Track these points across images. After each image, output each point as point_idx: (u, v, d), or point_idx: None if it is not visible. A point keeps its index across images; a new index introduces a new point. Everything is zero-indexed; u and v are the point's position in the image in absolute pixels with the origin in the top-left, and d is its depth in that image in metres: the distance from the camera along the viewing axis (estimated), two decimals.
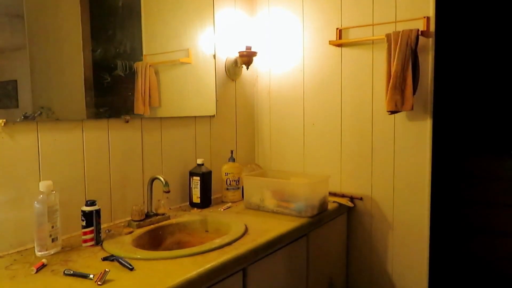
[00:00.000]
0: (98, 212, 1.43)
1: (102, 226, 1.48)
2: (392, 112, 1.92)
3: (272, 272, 1.58)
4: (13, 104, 1.38)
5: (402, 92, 1.86)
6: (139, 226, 1.61)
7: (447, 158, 3.00)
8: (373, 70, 2.07)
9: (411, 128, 1.99)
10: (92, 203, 1.43)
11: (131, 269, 1.21)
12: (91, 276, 1.15)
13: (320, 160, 2.28)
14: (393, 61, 1.87)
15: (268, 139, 2.45)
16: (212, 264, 1.26)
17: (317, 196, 1.86)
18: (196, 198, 1.95)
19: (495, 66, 2.95)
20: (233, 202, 2.07)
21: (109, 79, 1.64)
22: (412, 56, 1.85)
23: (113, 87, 1.66)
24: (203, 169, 1.96)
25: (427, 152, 1.96)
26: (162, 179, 1.63)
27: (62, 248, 1.39)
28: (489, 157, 2.88)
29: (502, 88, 2.95)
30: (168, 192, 1.62)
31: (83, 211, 1.42)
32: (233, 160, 2.12)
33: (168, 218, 1.73)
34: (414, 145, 1.99)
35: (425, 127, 1.96)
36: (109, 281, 1.13)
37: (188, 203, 2.01)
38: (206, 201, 1.96)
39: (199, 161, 1.97)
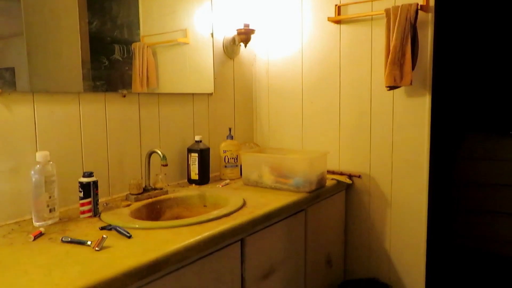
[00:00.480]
0: (95, 183, 1.43)
1: (99, 200, 1.49)
2: (391, 88, 1.91)
3: (270, 244, 1.58)
4: (11, 91, 1.36)
5: (401, 67, 1.85)
6: (137, 200, 1.61)
7: (446, 137, 3.00)
8: (372, 47, 2.05)
9: (409, 104, 1.99)
10: (89, 174, 1.43)
11: (129, 237, 1.21)
12: (89, 242, 1.15)
13: (319, 138, 2.27)
14: (392, 36, 1.86)
15: (267, 117, 2.44)
16: (210, 232, 1.27)
17: (315, 171, 1.86)
18: (194, 175, 1.95)
19: (496, 43, 2.93)
20: (231, 179, 2.07)
21: (106, 62, 1.63)
22: (411, 31, 1.84)
23: (110, 61, 1.65)
24: (201, 146, 1.95)
25: (426, 129, 1.96)
26: (159, 152, 1.62)
27: (60, 219, 1.39)
28: (488, 137, 2.88)
29: (503, 67, 2.93)
30: (166, 165, 1.62)
31: (80, 182, 1.42)
32: (231, 137, 2.11)
33: (166, 192, 1.73)
34: (412, 122, 1.99)
35: (424, 103, 1.95)
36: (106, 247, 1.13)
37: (186, 180, 2.00)
38: (204, 178, 1.96)
39: (197, 138, 1.96)
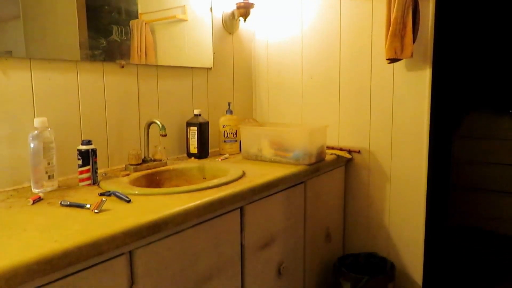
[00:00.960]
0: (94, 151, 1.42)
1: (98, 171, 1.48)
2: (391, 61, 1.89)
3: (270, 214, 1.58)
4: (7, 56, 1.34)
5: (402, 39, 1.83)
6: (136, 170, 1.60)
7: (445, 116, 2.99)
8: (372, 20, 2.03)
9: (410, 78, 1.97)
10: (88, 142, 1.42)
11: (128, 201, 1.20)
12: (88, 205, 1.14)
13: (318, 114, 2.26)
14: (393, 7, 1.83)
15: (266, 93, 2.43)
16: (209, 198, 1.26)
17: (315, 144, 1.85)
18: (194, 149, 1.94)
19: (499, 19, 2.90)
20: (231, 154, 2.06)
21: (103, 41, 1.61)
22: (413, 3, 1.81)
23: (107, 28, 1.63)
24: (200, 120, 1.94)
25: (426, 102, 1.95)
26: (158, 122, 1.61)
27: (59, 187, 1.38)
28: (488, 115, 2.87)
29: (505, 43, 2.91)
30: (165, 135, 1.61)
31: (79, 150, 1.41)
32: (231, 112, 2.10)
33: (165, 164, 1.72)
34: (413, 95, 1.98)
35: (424, 76, 1.94)
36: (105, 210, 1.13)
37: (185, 154, 2.00)
38: (203, 152, 1.95)
39: (196, 112, 1.95)
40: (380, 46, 2.00)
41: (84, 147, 1.41)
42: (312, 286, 1.94)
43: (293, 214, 1.74)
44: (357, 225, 2.22)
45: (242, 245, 1.44)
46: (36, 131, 1.30)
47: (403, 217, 2.08)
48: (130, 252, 1.04)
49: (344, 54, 2.14)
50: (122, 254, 1.02)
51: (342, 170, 2.17)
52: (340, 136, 2.21)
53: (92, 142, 1.43)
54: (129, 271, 1.04)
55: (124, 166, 1.66)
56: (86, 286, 0.93)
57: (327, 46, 2.19)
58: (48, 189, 1.34)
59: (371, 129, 2.12)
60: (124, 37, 1.69)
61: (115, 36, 1.66)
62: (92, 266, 0.95)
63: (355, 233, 2.23)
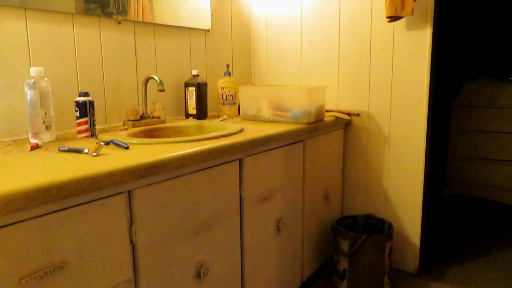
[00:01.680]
0: (91, 103, 1.41)
1: (96, 128, 1.47)
2: (392, 19, 1.87)
3: (268, 169, 1.58)
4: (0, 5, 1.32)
5: None
6: (134, 126, 1.60)
7: (444, 84, 2.98)
8: None
9: (410, 38, 1.95)
10: (85, 94, 1.40)
11: (127, 148, 1.20)
12: (86, 150, 1.14)
13: (317, 78, 2.25)
14: None
15: (265, 57, 2.41)
16: (208, 146, 1.26)
17: (314, 103, 1.84)
18: (192, 110, 1.93)
19: None
20: (229, 116, 2.06)
21: None
22: None
23: None
24: (199, 80, 1.93)
25: (426, 63, 1.94)
26: (156, 77, 1.60)
27: (57, 138, 1.38)
28: (488, 83, 2.85)
29: (506, 9, 2.88)
30: (163, 90, 1.59)
31: (76, 101, 1.40)
32: (229, 74, 2.08)
33: (164, 122, 1.72)
34: (413, 55, 1.96)
35: (425, 36, 1.92)
36: (104, 154, 1.13)
37: (183, 115, 1.99)
38: (202, 113, 1.94)
39: (194, 72, 1.93)
40: (380, 6, 1.98)
41: (81, 99, 1.39)
42: (311, 245, 1.96)
43: (292, 172, 1.74)
44: (356, 187, 2.23)
45: (241, 197, 1.44)
46: (32, 80, 1.29)
47: (401, 179, 2.09)
48: (129, 192, 1.04)
49: (344, 16, 2.12)
50: (121, 193, 1.02)
51: (341, 133, 2.17)
52: (339, 100, 2.20)
53: (90, 94, 1.42)
54: (128, 210, 1.04)
55: (122, 122, 1.65)
56: (85, 220, 0.93)
57: (327, 8, 2.16)
58: (46, 139, 1.33)
59: (370, 91, 2.11)
60: None
61: None
62: (91, 201, 0.95)
63: (353, 195, 2.24)
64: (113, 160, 1.04)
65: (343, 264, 1.92)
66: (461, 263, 2.25)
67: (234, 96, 2.08)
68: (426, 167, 2.04)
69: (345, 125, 2.18)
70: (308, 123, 1.79)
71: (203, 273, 1.27)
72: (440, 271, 2.17)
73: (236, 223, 1.43)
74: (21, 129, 1.39)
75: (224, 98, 2.06)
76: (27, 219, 0.82)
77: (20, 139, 1.37)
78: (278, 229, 1.66)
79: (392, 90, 2.05)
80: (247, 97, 1.94)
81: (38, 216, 0.84)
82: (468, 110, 2.91)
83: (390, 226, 1.98)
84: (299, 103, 1.80)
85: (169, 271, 1.17)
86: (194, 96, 1.91)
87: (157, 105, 1.71)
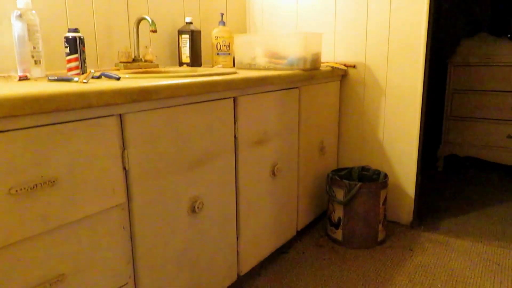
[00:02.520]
0: (81, 39, 1.37)
1: (87, 71, 1.43)
2: None
3: (263, 111, 1.56)
4: None
5: None
6: (126, 68, 1.57)
7: (441, 43, 2.95)
8: None
9: None
10: (75, 30, 1.36)
11: (118, 79, 1.17)
12: (76, 79, 1.11)
13: (314, 30, 2.21)
14: None
15: (260, 9, 2.35)
16: (202, 79, 1.24)
17: (310, 50, 1.81)
18: (186, 58, 1.90)
19: None
20: (224, 67, 2.02)
21: None
22: None
23: None
24: (192, 27, 1.88)
25: (424, 13, 1.90)
26: (148, 18, 1.56)
27: (46, 75, 1.34)
28: (485, 40, 2.82)
29: None
30: (155, 31, 1.55)
31: (66, 37, 1.36)
32: (223, 23, 2.04)
33: (157, 66, 1.68)
34: (411, 3, 1.92)
35: None
36: (94, 83, 1.10)
37: (177, 64, 1.96)
38: (196, 62, 1.91)
39: (187, 19, 1.89)
40: None
41: (71, 34, 1.35)
42: (306, 195, 1.96)
43: (287, 118, 1.73)
44: (352, 140, 2.22)
45: (235, 137, 1.43)
46: (18, 12, 1.25)
47: (397, 131, 2.08)
48: (121, 116, 1.02)
49: None
50: (112, 115, 0.99)
51: (337, 85, 2.15)
52: (335, 52, 2.17)
53: (79, 30, 1.38)
54: (120, 135, 1.02)
55: (114, 65, 1.62)
56: (76, 138, 0.91)
57: None
58: (36, 75, 1.30)
59: (367, 42, 2.07)
60: None
61: None
62: (83, 120, 0.92)
63: (349, 148, 2.24)
64: (105, 86, 1.02)
65: (338, 213, 1.93)
66: (454, 216, 2.28)
67: (229, 47, 2.04)
68: (422, 119, 2.03)
69: (341, 77, 2.16)
70: (304, 70, 1.76)
71: (198, 207, 1.27)
72: (434, 223, 2.19)
73: (231, 162, 1.41)
74: (10, 65, 1.35)
75: (218, 49, 2.03)
76: (16, 129, 0.80)
77: (9, 76, 1.34)
78: (273, 174, 1.65)
79: (389, 41, 2.01)
80: (242, 46, 1.90)
81: (27, 128, 0.82)
82: (465, 69, 2.89)
83: (386, 176, 1.98)
84: (295, 50, 1.77)
85: (163, 202, 1.16)
86: (187, 44, 1.88)
87: (150, 49, 1.68)
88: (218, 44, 2.02)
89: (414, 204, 2.11)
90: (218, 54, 2.03)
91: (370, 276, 1.69)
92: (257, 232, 1.61)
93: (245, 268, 1.57)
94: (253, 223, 1.58)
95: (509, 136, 2.81)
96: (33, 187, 0.83)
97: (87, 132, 0.93)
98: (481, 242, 1.97)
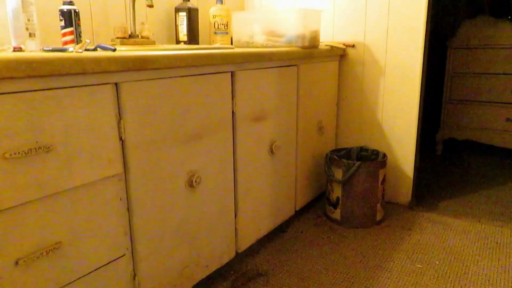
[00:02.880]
0: (76, 12, 1.35)
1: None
2: None
3: (262, 88, 1.55)
4: None
5: None
6: (122, 43, 1.54)
7: (441, 25, 2.92)
8: None
9: None
10: (69, 2, 1.34)
11: (113, 50, 1.15)
12: (71, 49, 1.09)
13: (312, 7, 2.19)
14: None
15: None
16: (198, 51, 1.22)
17: (309, 28, 1.79)
18: (183, 36, 1.87)
19: None
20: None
21: None
22: None
23: None
24: (189, 5, 1.86)
25: None
26: None
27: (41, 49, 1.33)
28: (485, 22, 2.79)
29: None
30: (151, 6, 1.53)
31: (61, 10, 1.34)
32: (221, 2, 2.01)
33: (154, 43, 1.66)
34: None
35: None
36: (89, 50, 1.09)
37: (174, 42, 1.93)
38: (193, 40, 1.89)
39: None
40: None
41: (66, 7, 1.33)
42: (304, 174, 1.96)
43: (286, 96, 1.71)
44: (350, 120, 2.21)
45: (233, 112, 1.41)
46: None
47: (396, 111, 2.07)
48: (117, 85, 1.00)
49: None
50: (108, 83, 0.98)
51: (336, 65, 2.13)
52: (334, 32, 2.15)
53: (74, 4, 1.36)
54: (116, 104, 1.01)
55: (110, 40, 1.60)
56: (71, 105, 0.90)
57: None
58: (31, 48, 1.28)
59: (366, 21, 2.05)
60: None
61: None
62: (78, 86, 0.91)
63: (347, 128, 2.23)
64: (100, 53, 1.00)
65: (337, 192, 1.93)
66: (453, 197, 2.28)
67: (227, 26, 2.02)
68: (421, 99, 2.01)
69: (340, 57, 2.14)
70: (303, 47, 1.75)
71: (195, 181, 1.26)
72: (433, 203, 2.19)
73: (228, 138, 1.40)
74: (4, 39, 1.33)
75: (216, 27, 2.00)
76: (10, 92, 0.79)
77: (3, 49, 1.32)
78: (271, 151, 1.65)
79: (389, 18, 1.99)
80: (240, 23, 1.88)
81: (22, 91, 0.81)
82: (464, 52, 2.87)
83: (384, 155, 1.97)
84: (293, 27, 1.75)
85: (160, 175, 1.15)
86: (184, 22, 1.85)
87: (146, 26, 1.65)
88: (216, 23, 2.00)
89: (413, 184, 2.11)
90: (215, 33, 2.01)
91: (368, 253, 1.69)
92: (256, 210, 1.61)
93: (243, 246, 1.57)
94: (251, 201, 1.57)
95: (508, 120, 2.81)
96: (28, 152, 0.82)
97: (82, 100, 0.92)
98: (480, 221, 1.97)
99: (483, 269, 1.57)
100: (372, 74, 2.09)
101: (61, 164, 0.89)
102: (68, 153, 0.90)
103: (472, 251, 1.70)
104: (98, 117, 0.96)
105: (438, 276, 1.53)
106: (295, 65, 1.75)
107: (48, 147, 0.85)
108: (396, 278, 1.52)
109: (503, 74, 2.78)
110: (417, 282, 1.50)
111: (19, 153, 0.80)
